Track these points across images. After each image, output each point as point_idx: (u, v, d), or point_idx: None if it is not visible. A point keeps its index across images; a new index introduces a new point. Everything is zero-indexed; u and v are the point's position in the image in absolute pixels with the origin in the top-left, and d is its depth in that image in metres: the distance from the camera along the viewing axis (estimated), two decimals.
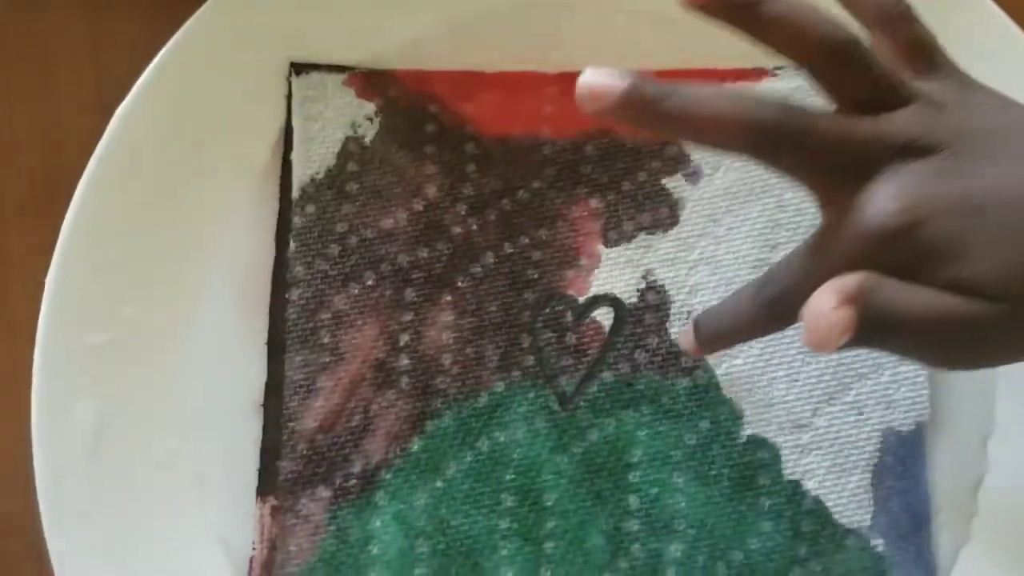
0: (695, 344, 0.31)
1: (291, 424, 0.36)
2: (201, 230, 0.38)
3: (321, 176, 0.38)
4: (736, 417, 0.36)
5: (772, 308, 0.28)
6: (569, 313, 0.37)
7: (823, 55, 0.26)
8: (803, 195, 0.28)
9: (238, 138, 0.38)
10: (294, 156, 0.38)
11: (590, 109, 0.26)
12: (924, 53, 0.28)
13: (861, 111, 0.27)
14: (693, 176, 0.38)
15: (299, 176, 0.38)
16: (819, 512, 0.35)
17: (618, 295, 0.37)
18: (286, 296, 0.37)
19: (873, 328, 0.25)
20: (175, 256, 0.37)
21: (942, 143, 0.26)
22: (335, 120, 0.38)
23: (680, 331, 0.35)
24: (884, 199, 0.26)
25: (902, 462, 0.35)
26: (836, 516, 0.35)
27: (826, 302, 0.25)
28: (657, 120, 0.26)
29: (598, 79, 0.26)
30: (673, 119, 0.26)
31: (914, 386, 0.36)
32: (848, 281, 0.25)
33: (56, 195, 0.37)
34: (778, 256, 0.35)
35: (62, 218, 0.36)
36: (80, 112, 0.40)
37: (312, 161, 0.38)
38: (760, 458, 0.35)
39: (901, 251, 0.25)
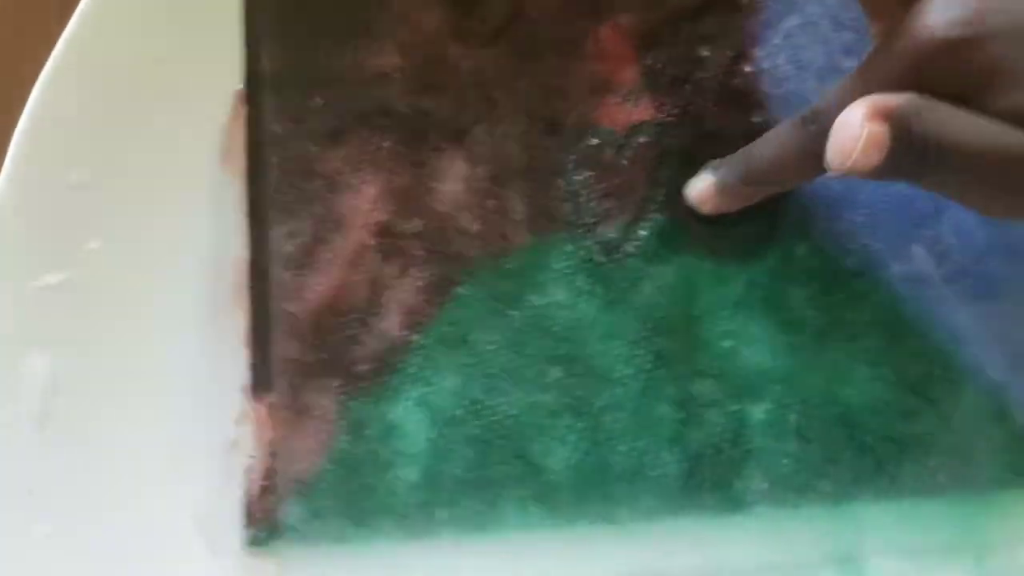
0: (713, 191, 0.29)
1: (284, 305, 0.30)
2: (177, 146, 0.31)
3: (292, 10, 0.31)
4: (817, 249, 0.30)
5: (819, 142, 0.24)
6: (607, 149, 0.31)
7: None
8: None
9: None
10: None
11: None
12: None
13: None
14: None
15: (263, 7, 0.31)
16: (926, 353, 0.29)
17: (664, 120, 0.31)
18: (264, 160, 0.31)
19: (911, 152, 0.23)
20: (147, 177, 0.31)
21: None
22: None
23: (692, 181, 0.30)
24: (939, 8, 0.23)
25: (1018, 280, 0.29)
26: (947, 356, 0.29)
27: (854, 114, 0.23)
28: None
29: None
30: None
31: None
32: (886, 97, 0.23)
33: (8, 107, 0.31)
34: None
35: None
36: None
37: None
38: (850, 293, 0.30)
39: (955, 71, 0.23)
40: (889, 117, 0.22)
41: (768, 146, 0.28)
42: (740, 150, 0.29)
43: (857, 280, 0.30)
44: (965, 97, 0.23)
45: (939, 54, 0.23)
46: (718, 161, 0.29)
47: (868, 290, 0.30)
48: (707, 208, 0.30)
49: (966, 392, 0.29)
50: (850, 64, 0.31)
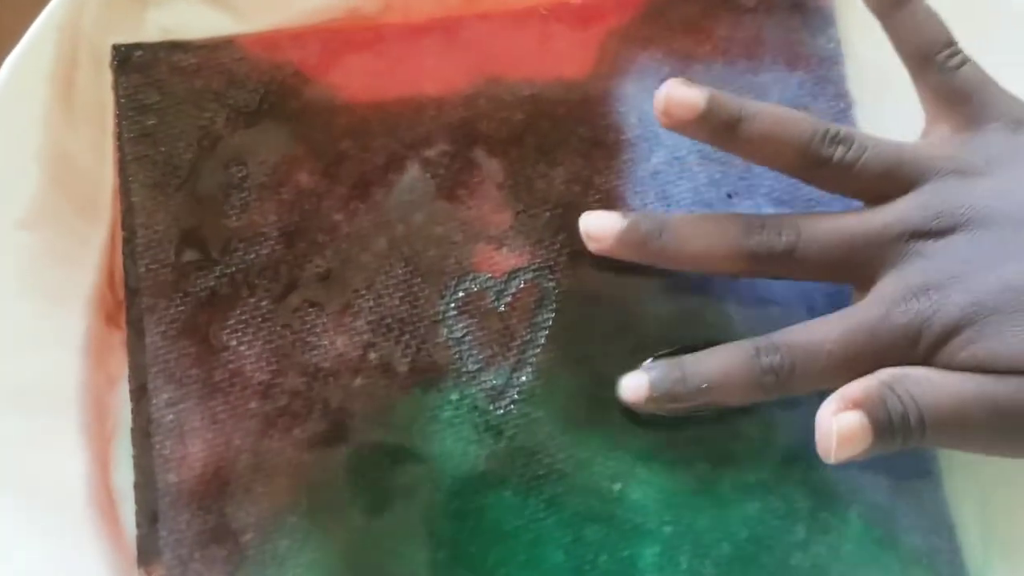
0: (645, 396, 0.29)
1: (167, 476, 0.30)
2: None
3: (165, 177, 0.32)
4: None
5: (771, 376, 0.27)
6: (486, 295, 0.32)
7: (805, 166, 0.28)
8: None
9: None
10: (129, 159, 0.32)
11: (591, 248, 0.30)
12: (964, 102, 0.28)
13: (872, 201, 0.28)
14: (612, 118, 0.33)
15: (139, 180, 0.32)
16: (812, 481, 0.30)
17: (540, 265, 0.32)
18: (142, 326, 0.31)
19: (898, 428, 0.26)
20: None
21: (962, 221, 0.27)
22: (176, 110, 0.33)
23: (627, 379, 0.30)
24: (893, 293, 0.27)
25: None
26: (832, 483, 0.30)
27: (827, 409, 0.26)
28: (651, 258, 0.29)
29: (597, 222, 0.30)
30: (666, 257, 0.29)
31: None
32: (853, 387, 0.26)
33: None
34: (739, 206, 0.32)
35: None
36: None
37: (155, 162, 0.32)
38: (735, 426, 0.30)
39: (916, 343, 0.26)
40: (861, 403, 0.25)
41: (712, 367, 0.28)
42: (680, 359, 0.29)
43: (740, 413, 0.30)
44: (927, 358, 0.26)
45: (896, 336, 0.26)
46: (654, 364, 0.29)
47: (752, 421, 0.31)
48: (643, 408, 0.29)
49: (852, 519, 0.30)
50: (716, 196, 0.32)
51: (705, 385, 0.28)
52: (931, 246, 0.27)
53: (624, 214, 0.29)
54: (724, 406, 0.29)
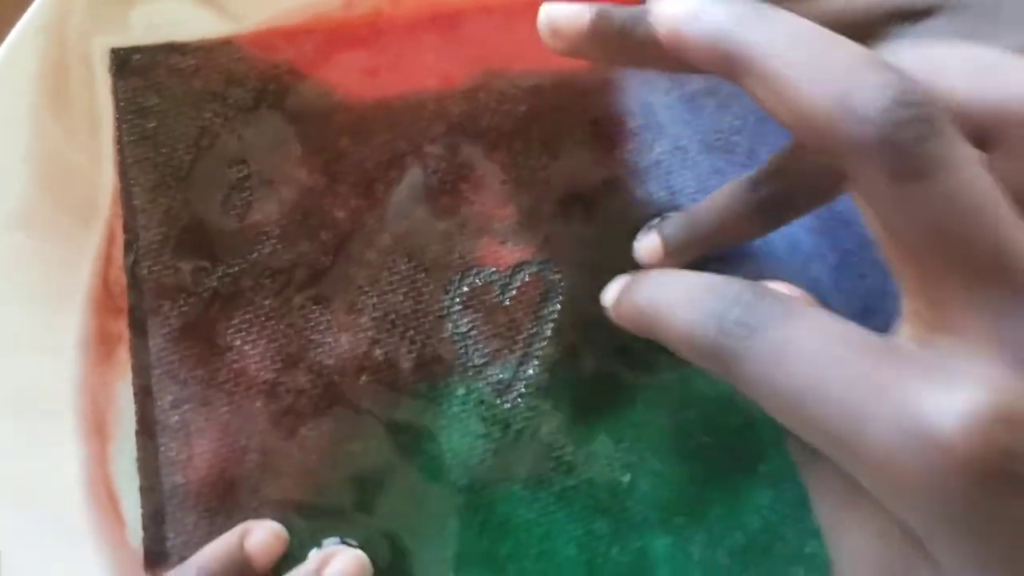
0: (660, 250, 0.30)
1: (173, 478, 0.30)
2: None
3: (166, 179, 0.32)
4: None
5: (766, 206, 0.28)
6: (491, 289, 0.32)
7: None
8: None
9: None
10: (129, 163, 0.32)
11: (556, 47, 0.25)
12: None
13: None
14: (615, 108, 0.33)
15: (141, 183, 0.32)
16: None
17: (544, 257, 0.32)
18: (145, 328, 0.31)
19: None
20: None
21: (940, 1, 0.26)
22: (176, 112, 0.33)
23: (639, 241, 0.31)
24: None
25: None
26: None
27: None
28: (631, 52, 0.25)
29: (560, 11, 0.25)
30: (644, 53, 0.25)
31: None
32: None
33: None
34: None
35: None
36: None
37: (156, 164, 0.32)
38: (746, 414, 0.30)
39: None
40: None
41: (714, 208, 0.29)
42: (684, 211, 0.30)
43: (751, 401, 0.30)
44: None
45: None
46: (661, 221, 0.31)
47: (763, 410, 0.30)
48: (655, 266, 0.30)
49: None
50: (720, 185, 0.32)
51: (714, 225, 0.29)
52: (911, 28, 0.26)
53: (590, 5, 0.25)
54: (737, 243, 0.31)
